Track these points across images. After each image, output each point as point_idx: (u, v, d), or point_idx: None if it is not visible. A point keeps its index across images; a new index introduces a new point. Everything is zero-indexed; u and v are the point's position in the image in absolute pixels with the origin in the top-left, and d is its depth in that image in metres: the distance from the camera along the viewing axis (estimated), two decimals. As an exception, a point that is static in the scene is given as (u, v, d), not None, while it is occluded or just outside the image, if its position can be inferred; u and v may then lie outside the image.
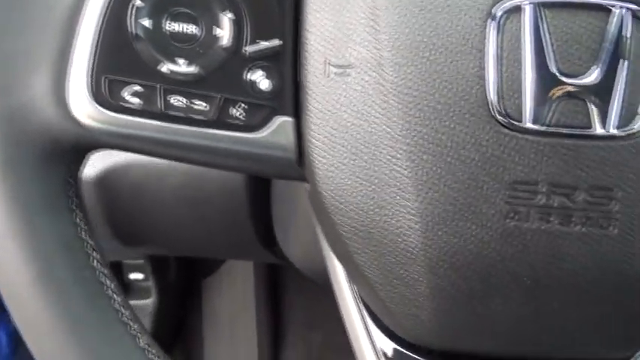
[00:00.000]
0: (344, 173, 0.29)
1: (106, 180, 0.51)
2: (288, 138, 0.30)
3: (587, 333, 0.30)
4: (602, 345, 0.31)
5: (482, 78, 0.27)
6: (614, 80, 0.27)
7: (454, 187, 0.27)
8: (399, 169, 0.28)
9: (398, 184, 0.28)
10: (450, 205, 0.28)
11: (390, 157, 0.28)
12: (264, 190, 0.53)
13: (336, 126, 0.29)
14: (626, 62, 0.27)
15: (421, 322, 0.30)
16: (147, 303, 0.86)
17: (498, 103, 0.27)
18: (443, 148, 0.27)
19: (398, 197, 0.28)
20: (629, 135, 0.27)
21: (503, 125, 0.27)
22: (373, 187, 0.28)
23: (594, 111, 0.27)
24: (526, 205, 0.27)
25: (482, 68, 0.27)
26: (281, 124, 0.30)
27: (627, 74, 0.27)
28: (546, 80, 0.27)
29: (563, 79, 0.27)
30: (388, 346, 0.33)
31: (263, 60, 0.29)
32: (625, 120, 0.27)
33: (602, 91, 0.27)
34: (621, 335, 0.31)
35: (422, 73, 0.27)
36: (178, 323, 0.96)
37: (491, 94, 0.27)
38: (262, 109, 0.30)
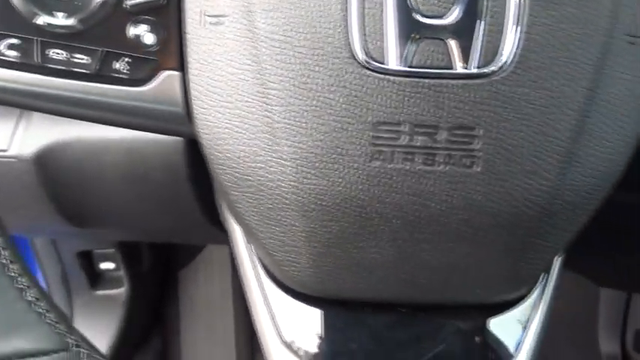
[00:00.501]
0: (221, 122, 0.29)
1: (45, 158, 0.51)
2: (175, 92, 0.30)
3: (463, 274, 0.30)
4: (483, 287, 0.31)
5: (345, 20, 0.27)
6: (474, 20, 0.27)
7: (321, 129, 0.28)
8: (270, 114, 0.28)
9: (269, 129, 0.28)
10: (318, 148, 0.28)
11: (261, 104, 0.28)
12: (205, 165, 0.54)
13: (213, 75, 0.29)
14: (485, 2, 0.27)
15: (301, 267, 0.30)
16: (119, 292, 0.86)
17: (361, 44, 0.27)
18: (309, 92, 0.28)
19: (270, 142, 0.28)
20: (489, 74, 0.27)
21: (365, 67, 0.27)
22: (248, 134, 0.29)
23: (455, 51, 0.27)
24: (390, 146, 0.28)
25: (345, 10, 0.27)
26: (167, 77, 0.30)
27: (487, 15, 0.27)
28: (408, 21, 0.27)
29: (425, 19, 0.27)
30: (278, 295, 0.33)
31: (147, 14, 0.30)
32: (485, 60, 0.27)
33: (462, 32, 0.27)
34: (499, 276, 0.31)
35: (288, 18, 0.28)
36: (155, 312, 0.96)
37: (354, 36, 0.27)
38: (147, 63, 0.30)
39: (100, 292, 0.84)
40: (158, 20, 0.30)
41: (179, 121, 0.31)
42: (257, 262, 0.34)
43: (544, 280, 0.34)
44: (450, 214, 0.28)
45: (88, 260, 0.80)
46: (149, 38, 0.30)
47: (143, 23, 0.30)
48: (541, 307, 0.34)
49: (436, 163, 0.28)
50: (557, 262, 0.35)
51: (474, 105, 0.27)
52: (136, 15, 0.30)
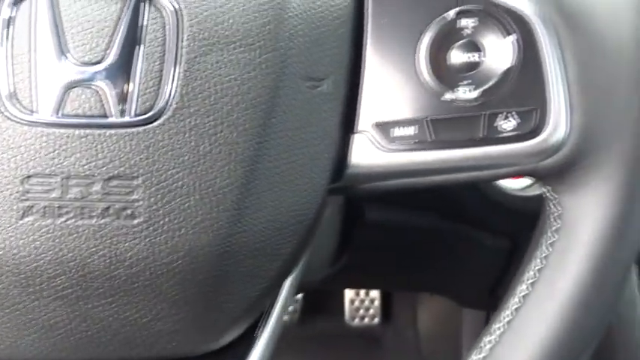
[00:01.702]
0: None
1: None
2: None
3: (147, 328, 0.29)
4: (175, 339, 0.30)
5: None
6: (130, 66, 0.27)
7: None
8: None
9: None
10: None
11: None
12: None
13: None
14: (141, 49, 0.27)
15: None
16: None
17: (8, 93, 0.27)
18: None
19: None
20: (146, 121, 0.27)
21: (12, 117, 0.27)
22: None
23: (110, 98, 0.27)
24: (43, 200, 0.27)
25: None
26: None
27: (144, 60, 0.27)
28: (58, 67, 0.27)
29: (77, 65, 0.27)
30: None
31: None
32: (143, 107, 0.27)
33: (118, 78, 0.27)
34: (189, 327, 0.30)
35: None
36: None
37: (1, 86, 0.27)
38: None
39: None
40: None
41: None
42: None
43: (266, 317, 0.34)
44: (117, 268, 0.28)
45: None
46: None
47: None
48: (261, 344, 0.34)
49: (94, 217, 0.27)
50: (284, 288, 0.35)
51: (132, 154, 0.27)
52: None
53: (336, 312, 1.08)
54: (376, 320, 1.15)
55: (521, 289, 0.32)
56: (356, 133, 0.31)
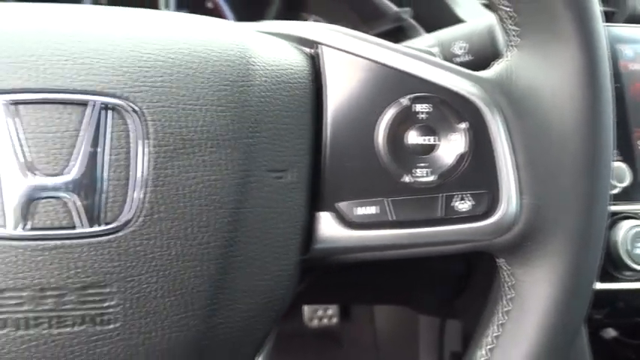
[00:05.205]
0: None
1: None
2: None
3: None
4: None
5: None
6: (96, 176, 0.27)
7: None
8: None
9: None
10: None
11: None
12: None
13: None
14: (106, 156, 0.27)
15: None
16: None
17: None
18: None
19: None
20: (114, 230, 0.27)
21: None
22: None
23: (77, 208, 0.27)
24: (16, 313, 0.27)
25: None
26: None
27: (110, 169, 0.27)
28: (23, 181, 0.26)
29: (42, 178, 0.27)
30: None
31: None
32: (111, 215, 0.27)
33: (83, 188, 0.27)
34: None
35: None
36: None
37: None
38: None
39: None
40: None
41: None
42: None
43: None
44: None
45: None
46: None
47: None
48: None
49: (68, 325, 0.27)
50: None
51: (102, 263, 0.27)
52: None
53: (294, 313, 1.10)
54: (334, 320, 1.18)
55: (481, 353, 0.34)
56: (321, 211, 0.32)
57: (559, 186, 0.32)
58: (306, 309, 1.13)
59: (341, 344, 1.15)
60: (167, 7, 0.72)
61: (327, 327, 1.16)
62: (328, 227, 0.33)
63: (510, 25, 0.33)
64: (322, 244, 0.33)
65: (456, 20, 0.54)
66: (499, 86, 0.33)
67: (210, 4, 0.73)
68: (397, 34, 0.62)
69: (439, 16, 0.58)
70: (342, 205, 0.33)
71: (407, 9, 0.57)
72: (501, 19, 0.33)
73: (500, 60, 0.34)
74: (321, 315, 1.17)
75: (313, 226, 0.33)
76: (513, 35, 0.33)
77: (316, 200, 0.33)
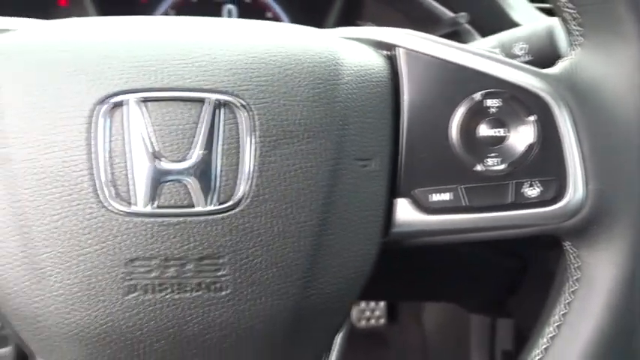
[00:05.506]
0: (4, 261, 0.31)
1: None
2: None
3: None
4: None
5: (91, 169, 0.30)
6: (210, 162, 0.31)
7: (78, 268, 0.31)
8: (34, 257, 0.31)
9: (34, 267, 0.31)
10: (78, 286, 0.31)
11: (23, 244, 0.31)
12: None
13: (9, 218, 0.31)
14: (220, 145, 0.31)
15: None
16: (5, 352, 0.85)
17: (109, 190, 0.31)
18: (65, 235, 0.31)
19: (35, 280, 0.31)
20: (227, 209, 0.31)
21: (114, 211, 0.31)
22: (15, 272, 0.31)
23: (195, 191, 0.31)
24: (145, 279, 0.31)
25: (90, 161, 0.30)
26: None
27: (223, 156, 0.31)
28: (151, 167, 0.31)
29: (166, 164, 0.31)
30: None
31: None
32: (224, 196, 0.31)
33: (200, 173, 0.31)
34: None
35: (40, 168, 0.31)
36: None
37: (102, 183, 0.30)
38: None
39: (-15, 355, 0.83)
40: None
41: None
42: None
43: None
44: (209, 333, 0.32)
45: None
46: None
47: None
48: None
49: (188, 291, 0.31)
50: (337, 340, 0.39)
51: (217, 237, 0.31)
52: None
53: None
54: (382, 321, 1.19)
55: (549, 330, 0.37)
56: (399, 198, 0.36)
57: (623, 173, 0.34)
58: (354, 310, 1.15)
59: (388, 345, 1.17)
60: (230, 17, 0.77)
61: (374, 327, 1.18)
62: (405, 212, 0.35)
63: (574, 25, 0.36)
64: (400, 228, 0.36)
65: (511, 24, 0.56)
66: (564, 82, 0.35)
67: (270, 15, 0.77)
68: (453, 38, 0.66)
69: (494, 21, 0.60)
70: (418, 192, 0.36)
71: (464, 14, 0.59)
72: (565, 21, 0.36)
73: (565, 58, 0.37)
74: (368, 316, 1.19)
75: (392, 211, 0.36)
76: (577, 35, 0.36)
77: (394, 188, 0.36)
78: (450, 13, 0.65)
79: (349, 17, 0.75)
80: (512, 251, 0.64)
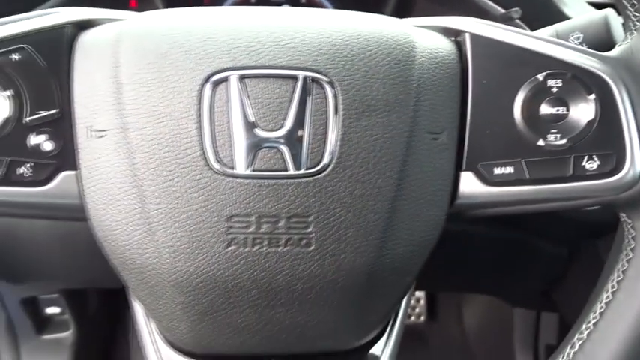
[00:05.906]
0: (107, 216, 0.35)
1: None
2: (72, 187, 0.36)
3: (313, 329, 0.37)
4: (332, 337, 0.38)
5: (200, 137, 0.34)
6: (302, 132, 0.34)
7: (184, 223, 0.34)
8: (146, 211, 0.35)
9: (146, 223, 0.35)
10: (185, 238, 0.34)
11: (139, 203, 0.35)
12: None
13: (99, 178, 0.35)
14: (309, 117, 0.34)
15: (182, 332, 0.37)
16: (66, 336, 0.89)
17: (214, 155, 0.34)
18: (175, 193, 0.34)
19: (147, 234, 0.35)
20: (315, 173, 0.34)
21: (218, 172, 0.34)
22: (129, 227, 0.35)
23: (288, 157, 0.34)
24: (242, 234, 0.34)
25: (199, 129, 0.34)
26: (65, 177, 0.36)
27: (311, 127, 0.34)
28: (250, 135, 0.34)
29: (263, 133, 0.34)
30: (168, 353, 0.40)
31: (45, 126, 0.36)
32: (312, 162, 0.34)
33: (292, 141, 0.34)
34: (344, 327, 0.38)
35: (154, 135, 0.34)
36: (104, 354, 0.99)
37: (207, 149, 0.34)
38: (48, 167, 0.36)
39: (47, 337, 0.86)
40: (55, 131, 0.36)
41: (78, 211, 0.37)
42: (151, 326, 0.40)
43: (393, 320, 0.42)
44: (295, 284, 0.35)
45: (33, 306, 0.83)
46: (48, 146, 0.36)
47: (42, 134, 0.36)
48: (392, 340, 0.42)
49: (280, 245, 0.34)
50: (402, 302, 0.42)
51: (305, 198, 0.34)
52: (36, 128, 0.36)
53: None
54: (422, 318, 1.21)
55: (605, 296, 0.39)
56: (464, 171, 0.39)
57: None
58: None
59: (428, 342, 1.18)
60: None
61: (414, 325, 1.20)
62: (470, 185, 0.38)
63: (632, 13, 0.38)
64: (465, 200, 0.38)
65: (563, 18, 0.59)
66: (622, 63, 0.38)
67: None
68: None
69: (547, 16, 0.63)
70: (483, 166, 0.38)
71: (517, 9, 0.62)
72: (624, 7, 0.39)
73: (622, 42, 0.40)
74: (408, 313, 1.21)
75: (457, 183, 0.38)
76: (635, 20, 0.38)
77: (460, 161, 0.38)
78: (499, 9, 0.67)
79: (400, 15, 0.78)
80: (559, 238, 0.66)
